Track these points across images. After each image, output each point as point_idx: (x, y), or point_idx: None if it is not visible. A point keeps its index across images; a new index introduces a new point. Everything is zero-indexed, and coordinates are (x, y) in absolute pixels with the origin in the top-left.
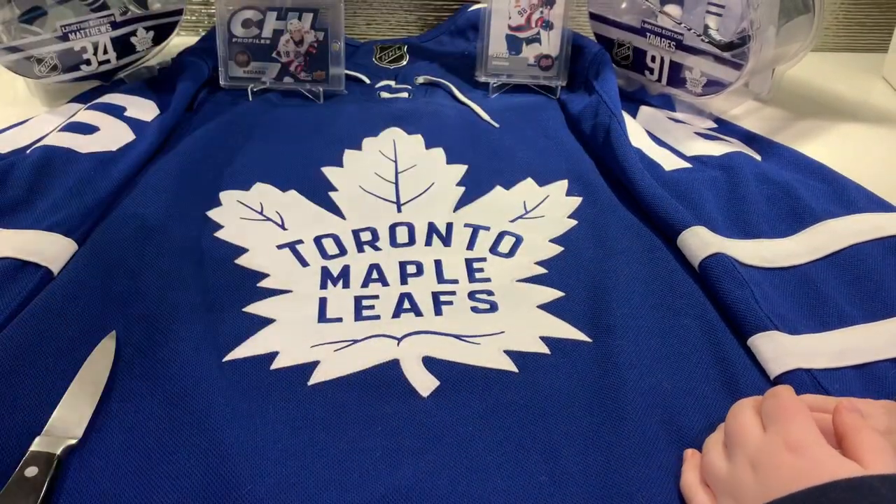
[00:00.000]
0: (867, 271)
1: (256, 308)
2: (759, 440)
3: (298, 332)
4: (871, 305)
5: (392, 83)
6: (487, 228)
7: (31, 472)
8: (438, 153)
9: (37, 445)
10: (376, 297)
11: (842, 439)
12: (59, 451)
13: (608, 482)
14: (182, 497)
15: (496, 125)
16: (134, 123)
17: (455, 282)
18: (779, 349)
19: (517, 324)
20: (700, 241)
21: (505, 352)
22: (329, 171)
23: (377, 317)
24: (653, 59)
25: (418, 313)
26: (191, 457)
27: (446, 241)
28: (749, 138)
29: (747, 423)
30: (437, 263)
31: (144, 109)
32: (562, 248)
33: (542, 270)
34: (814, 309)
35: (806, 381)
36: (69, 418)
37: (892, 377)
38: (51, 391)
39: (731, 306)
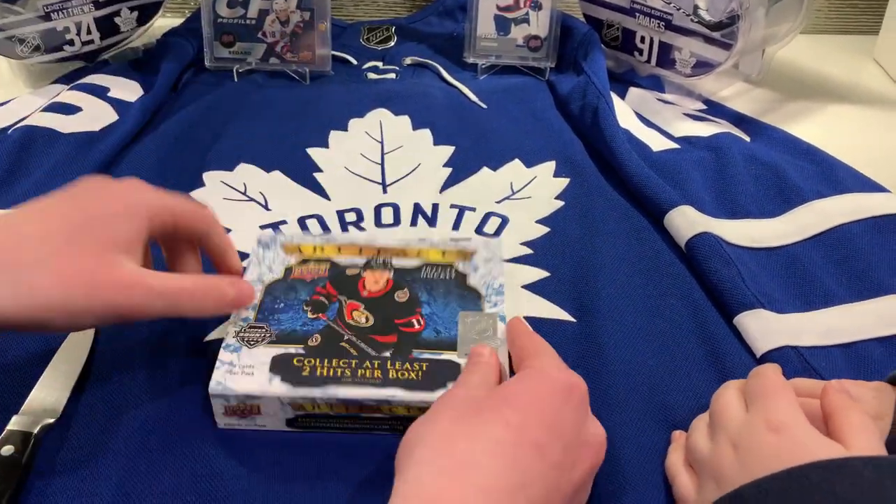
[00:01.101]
0: (854, 251)
1: None
2: (741, 420)
3: None
4: (857, 285)
5: (379, 64)
6: (473, 209)
7: (8, 450)
8: (425, 134)
9: (14, 424)
10: None
11: (828, 419)
12: (36, 430)
13: None
14: (160, 476)
15: (484, 106)
16: (117, 104)
17: None
18: (765, 327)
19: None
20: (687, 221)
21: None
22: (314, 152)
23: None
24: (642, 39)
25: None
26: (173, 438)
27: (432, 221)
28: (738, 119)
29: (730, 402)
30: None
31: (128, 90)
32: (548, 229)
33: (527, 251)
34: (800, 288)
35: (793, 358)
36: (47, 397)
37: (879, 356)
38: (29, 370)
39: (718, 285)
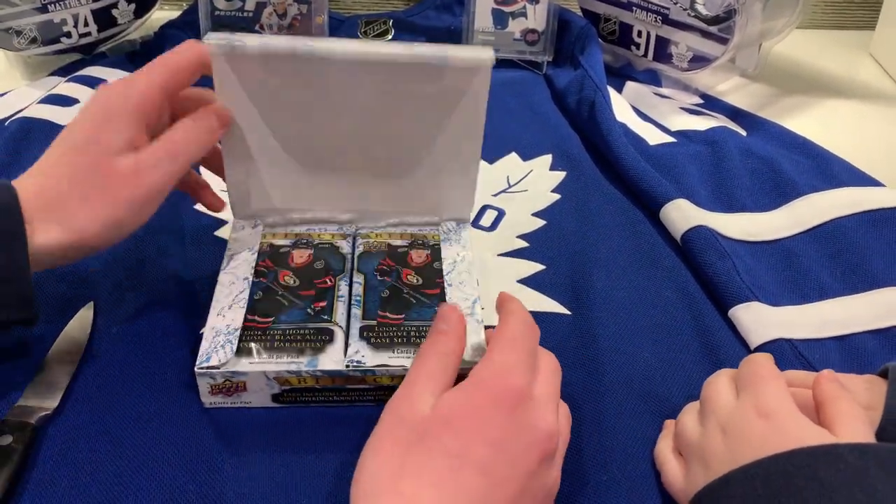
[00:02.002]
0: (848, 244)
1: None
2: (731, 406)
3: None
4: (851, 278)
5: None
6: None
7: (6, 440)
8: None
9: (12, 414)
10: None
11: (819, 408)
12: (34, 420)
13: (585, 454)
14: (159, 465)
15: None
16: None
17: None
18: (760, 320)
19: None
20: (682, 215)
21: (486, 327)
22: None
23: None
24: (639, 33)
25: None
26: (169, 426)
27: None
28: (734, 114)
29: (721, 389)
30: None
31: None
32: (544, 222)
33: (523, 244)
34: (795, 282)
35: (787, 350)
36: (45, 388)
37: (872, 348)
38: (27, 360)
39: (713, 278)
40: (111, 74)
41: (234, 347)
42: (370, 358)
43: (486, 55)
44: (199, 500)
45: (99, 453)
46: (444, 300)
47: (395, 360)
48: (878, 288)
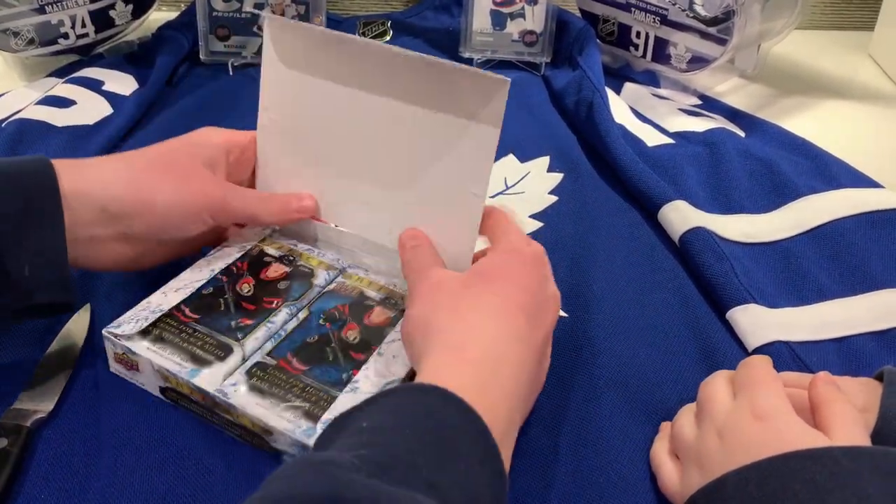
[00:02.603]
0: (847, 246)
1: None
2: (727, 408)
3: None
4: (850, 280)
5: None
6: None
7: (1, 443)
8: None
9: (7, 417)
10: None
11: (815, 410)
12: (29, 423)
13: (581, 457)
14: (153, 469)
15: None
16: (112, 97)
17: None
18: (757, 322)
19: None
20: (680, 216)
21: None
22: None
23: None
24: (638, 34)
25: None
26: (163, 430)
27: None
28: (733, 115)
29: (717, 391)
30: None
31: (123, 83)
32: (541, 224)
33: None
34: (793, 283)
35: (784, 353)
36: (40, 391)
37: (871, 350)
38: (22, 363)
39: (711, 280)
40: (109, 76)
41: (143, 326)
42: (238, 394)
43: (503, 80)
44: (191, 502)
45: (93, 456)
46: (363, 366)
47: (257, 407)
48: (876, 290)
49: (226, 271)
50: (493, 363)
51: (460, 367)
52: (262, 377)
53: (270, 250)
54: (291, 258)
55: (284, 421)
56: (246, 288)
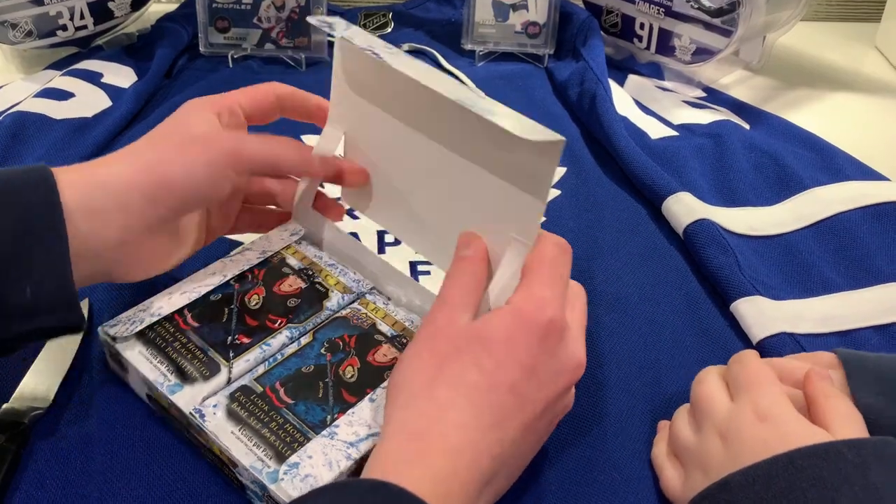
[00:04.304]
0: (852, 239)
1: None
2: (728, 410)
3: None
4: (855, 273)
5: None
6: None
7: None
8: None
9: (4, 413)
10: None
11: (812, 405)
12: (26, 420)
13: (586, 455)
14: (150, 466)
15: (481, 93)
16: (111, 90)
17: None
18: (762, 314)
19: None
20: (685, 208)
21: None
22: (309, 139)
23: None
24: (641, 26)
25: None
26: (161, 427)
27: None
28: (738, 107)
29: (714, 392)
30: None
31: (122, 76)
32: (544, 219)
33: None
34: (798, 276)
35: (789, 344)
36: (38, 386)
37: (875, 344)
38: (20, 358)
39: (715, 272)
40: (107, 68)
41: (137, 329)
42: (214, 419)
43: (557, 137)
44: (187, 501)
45: (91, 452)
46: (349, 410)
47: (230, 436)
48: (881, 283)
49: (239, 278)
50: (454, 455)
51: (417, 458)
52: (243, 404)
53: (292, 261)
54: (310, 272)
55: (253, 457)
56: (255, 300)
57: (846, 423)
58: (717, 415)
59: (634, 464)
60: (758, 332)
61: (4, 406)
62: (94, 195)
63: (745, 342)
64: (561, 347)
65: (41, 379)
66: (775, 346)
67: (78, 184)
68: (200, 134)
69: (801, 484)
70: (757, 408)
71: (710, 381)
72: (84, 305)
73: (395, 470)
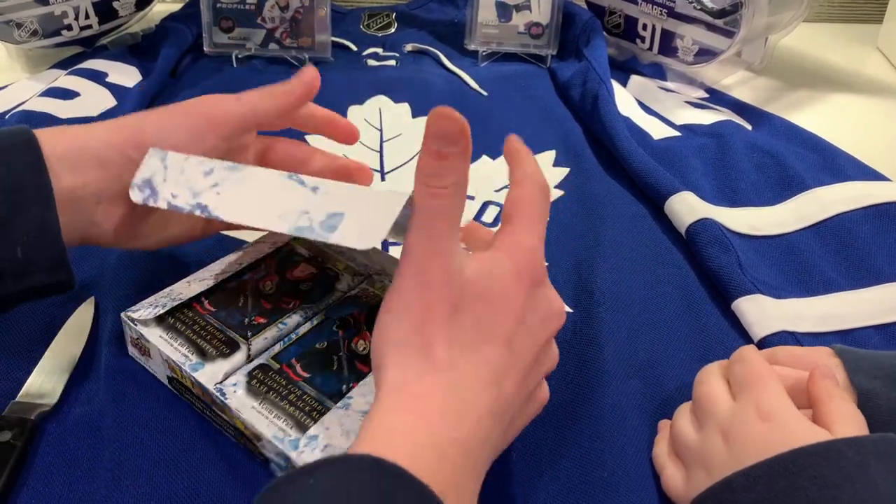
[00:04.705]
0: (853, 239)
1: None
2: (730, 409)
3: None
4: (856, 273)
5: (379, 51)
6: (472, 198)
7: (5, 436)
8: (425, 122)
9: (10, 410)
10: None
11: (815, 405)
12: (33, 416)
13: (584, 453)
14: (156, 464)
15: (484, 94)
16: (115, 89)
17: None
18: (763, 312)
19: None
20: (687, 207)
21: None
22: (312, 139)
23: None
24: (644, 27)
25: None
26: (166, 425)
27: None
28: (740, 108)
29: (716, 391)
30: None
31: (126, 75)
32: (547, 219)
33: None
34: (799, 276)
35: (790, 343)
36: (44, 383)
37: (875, 344)
38: (26, 356)
39: (717, 271)
40: (112, 67)
41: (159, 313)
42: (235, 395)
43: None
44: (192, 500)
45: (97, 450)
46: (363, 380)
47: (251, 411)
48: (882, 283)
49: (253, 266)
50: (455, 418)
51: (417, 425)
52: (262, 380)
53: (302, 250)
54: (320, 259)
55: (275, 428)
56: (269, 285)
57: (848, 424)
58: (720, 414)
59: (635, 463)
60: (758, 330)
61: (11, 403)
62: (74, 151)
63: (746, 341)
64: (542, 295)
65: (47, 377)
66: (776, 344)
67: (60, 141)
68: (187, 102)
69: (803, 483)
70: (759, 407)
71: (712, 381)
72: (90, 304)
73: (389, 441)
